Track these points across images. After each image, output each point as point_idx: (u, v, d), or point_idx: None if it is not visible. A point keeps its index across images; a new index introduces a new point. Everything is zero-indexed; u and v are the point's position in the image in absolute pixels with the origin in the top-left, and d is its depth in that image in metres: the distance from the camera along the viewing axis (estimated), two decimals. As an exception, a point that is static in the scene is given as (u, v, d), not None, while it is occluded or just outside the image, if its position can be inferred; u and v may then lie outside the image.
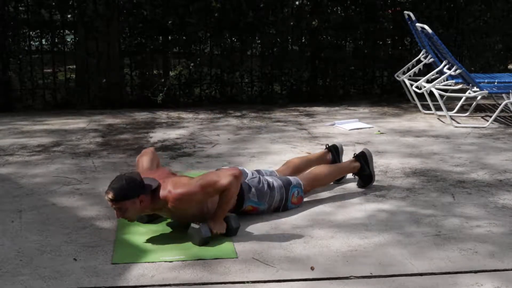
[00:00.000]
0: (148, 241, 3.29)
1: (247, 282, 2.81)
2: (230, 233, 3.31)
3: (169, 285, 2.79)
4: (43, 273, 2.89)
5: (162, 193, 3.25)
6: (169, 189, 3.25)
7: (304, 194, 3.84)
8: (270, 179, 3.74)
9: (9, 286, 2.77)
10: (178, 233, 3.38)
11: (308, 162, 4.18)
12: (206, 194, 3.29)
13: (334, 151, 4.31)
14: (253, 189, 3.60)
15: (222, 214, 3.31)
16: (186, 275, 2.89)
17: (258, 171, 3.86)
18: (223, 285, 2.79)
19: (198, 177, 3.36)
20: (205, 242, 3.20)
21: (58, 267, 2.95)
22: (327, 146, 4.34)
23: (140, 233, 3.40)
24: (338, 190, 4.12)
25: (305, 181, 3.86)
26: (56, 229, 3.44)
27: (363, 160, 4.12)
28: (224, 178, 3.27)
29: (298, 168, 4.08)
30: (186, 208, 3.29)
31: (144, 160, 3.66)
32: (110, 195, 3.15)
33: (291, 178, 3.84)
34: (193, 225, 3.23)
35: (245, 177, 3.66)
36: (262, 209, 3.65)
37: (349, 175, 4.24)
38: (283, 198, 3.71)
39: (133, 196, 3.18)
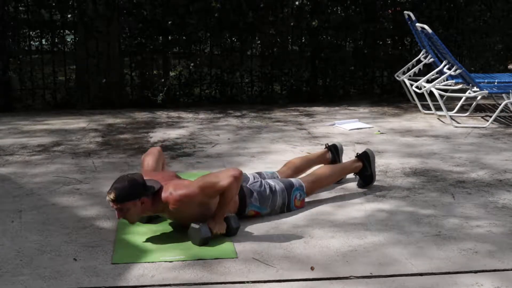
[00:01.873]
0: (148, 241, 3.29)
1: (247, 282, 2.81)
2: (230, 233, 3.31)
3: (169, 285, 2.79)
4: (43, 273, 2.89)
5: (164, 195, 3.25)
6: (170, 191, 3.25)
7: (307, 196, 3.82)
8: (272, 182, 3.72)
9: (9, 286, 2.77)
10: (178, 233, 3.38)
11: (309, 162, 4.18)
12: (206, 196, 3.29)
13: (334, 151, 4.30)
14: (255, 194, 3.59)
15: (222, 214, 3.30)
16: (186, 275, 2.89)
17: (260, 174, 3.85)
18: (223, 285, 2.79)
19: (199, 179, 3.36)
20: (205, 242, 3.20)
21: (58, 267, 2.95)
22: (327, 146, 4.35)
23: (140, 233, 3.40)
24: (338, 190, 4.12)
25: (307, 183, 3.85)
26: (56, 229, 3.44)
27: (366, 160, 4.12)
28: (224, 180, 3.27)
29: (299, 168, 4.08)
30: (186, 209, 3.28)
31: (149, 160, 3.65)
32: (112, 196, 3.16)
33: (293, 180, 3.82)
34: (193, 225, 3.23)
35: (247, 181, 3.66)
36: (265, 213, 3.65)
37: (350, 175, 4.24)
38: (285, 202, 3.70)
39: (135, 198, 3.18)
